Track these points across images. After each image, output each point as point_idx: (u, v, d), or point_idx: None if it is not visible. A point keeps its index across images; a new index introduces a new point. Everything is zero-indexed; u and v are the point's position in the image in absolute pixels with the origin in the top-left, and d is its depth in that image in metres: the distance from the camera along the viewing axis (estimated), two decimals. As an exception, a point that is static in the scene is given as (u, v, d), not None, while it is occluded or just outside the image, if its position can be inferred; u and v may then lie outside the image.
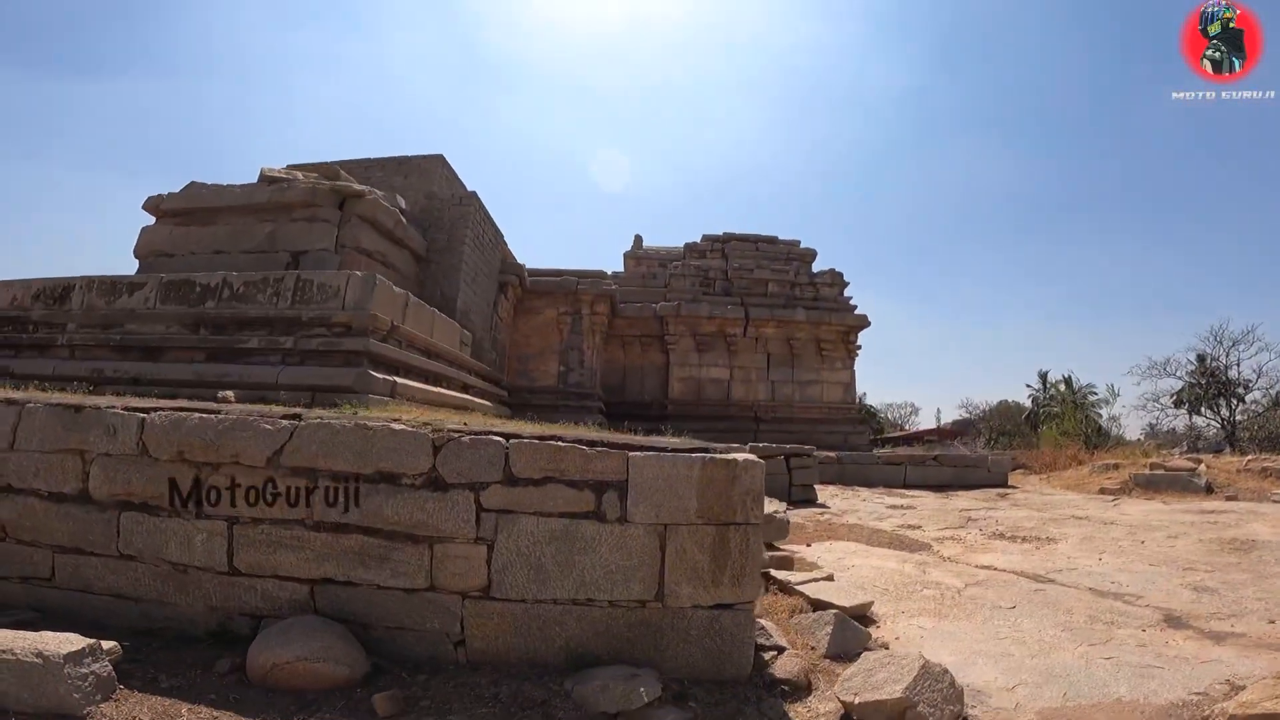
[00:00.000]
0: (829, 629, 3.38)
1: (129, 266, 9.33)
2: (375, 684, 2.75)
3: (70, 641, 2.42)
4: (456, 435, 3.08)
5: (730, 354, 17.33)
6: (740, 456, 2.94)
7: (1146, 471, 12.20)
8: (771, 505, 7.45)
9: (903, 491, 11.78)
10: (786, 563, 4.90)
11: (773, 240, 18.75)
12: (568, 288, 15.49)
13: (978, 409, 41.68)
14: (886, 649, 3.42)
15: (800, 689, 2.87)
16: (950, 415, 44.67)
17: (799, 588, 4.14)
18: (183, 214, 9.27)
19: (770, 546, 5.43)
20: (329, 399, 5.88)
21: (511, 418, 11.22)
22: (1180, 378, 24.54)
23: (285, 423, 3.29)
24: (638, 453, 2.92)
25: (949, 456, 14.12)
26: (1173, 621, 3.93)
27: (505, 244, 14.22)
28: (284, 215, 8.73)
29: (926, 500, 10.32)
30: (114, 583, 3.31)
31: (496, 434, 3.07)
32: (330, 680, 2.69)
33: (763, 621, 3.38)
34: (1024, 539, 6.85)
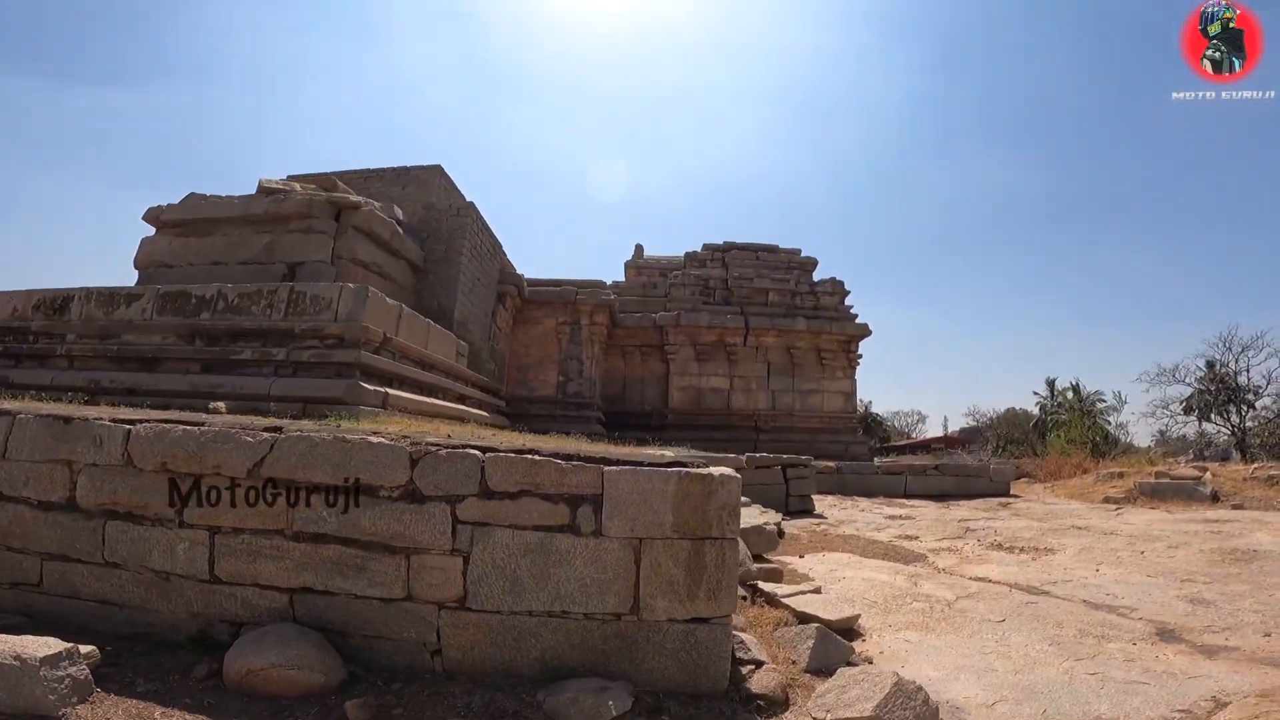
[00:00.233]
0: (810, 643, 3.34)
1: (133, 277, 9.41)
2: (350, 691, 2.77)
3: (48, 645, 2.49)
4: (434, 449, 3.09)
5: (730, 363, 17.31)
6: (716, 471, 2.92)
7: (1151, 480, 12.12)
8: (768, 516, 7.44)
9: (903, 501, 11.72)
10: (775, 575, 4.86)
11: (773, 249, 18.74)
12: (567, 298, 15.51)
13: (985, 417, 41.53)
14: (870, 663, 3.39)
15: (777, 704, 2.84)
16: (958, 423, 44.56)
17: (785, 600, 4.10)
18: (182, 225, 9.33)
19: (760, 558, 5.40)
20: (320, 410, 5.89)
21: (509, 428, 11.22)
22: (1189, 384, 24.45)
23: (266, 435, 3.34)
24: (613, 467, 2.92)
25: (950, 466, 14.04)
26: (1165, 635, 3.88)
27: (504, 254, 14.25)
28: (281, 227, 8.77)
29: (926, 510, 10.26)
30: (99, 589, 3.37)
31: (473, 447, 3.07)
32: (304, 687, 2.72)
33: (743, 635, 3.35)
34: (1021, 550, 6.80)
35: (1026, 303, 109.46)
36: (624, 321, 17.07)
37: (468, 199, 12.82)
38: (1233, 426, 23.29)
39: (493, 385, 12.75)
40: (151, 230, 9.67)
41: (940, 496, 12.49)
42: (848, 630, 3.83)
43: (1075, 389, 31.43)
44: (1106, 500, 11.86)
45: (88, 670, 2.60)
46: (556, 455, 2.97)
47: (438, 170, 12.46)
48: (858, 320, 17.84)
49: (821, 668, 3.20)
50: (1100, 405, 30.35)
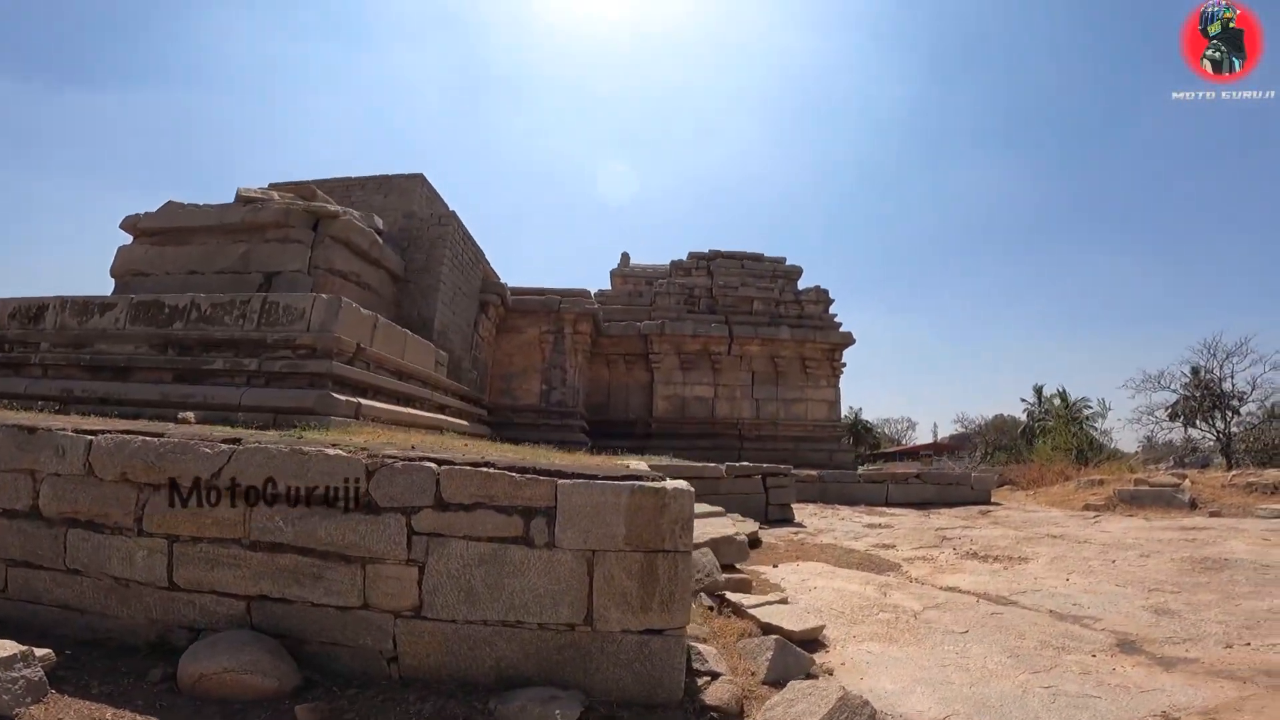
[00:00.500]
0: (769, 654, 3.34)
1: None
2: (304, 697, 2.80)
3: (4, 648, 2.58)
4: (390, 461, 3.11)
5: (715, 372, 17.33)
6: (670, 485, 2.94)
7: (1130, 488, 12.20)
8: (744, 525, 7.46)
9: (883, 510, 11.75)
10: (744, 585, 4.87)
11: (758, 257, 18.81)
12: (550, 307, 15.50)
13: (974, 424, 41.79)
14: (831, 674, 3.41)
15: (731, 715, 2.84)
16: (948, 430, 44.82)
17: (751, 611, 4.11)
18: (159, 233, 9.28)
19: (730, 568, 5.41)
20: (290, 421, 5.87)
21: (490, 437, 11.19)
22: (1175, 390, 24.62)
23: (224, 446, 3.39)
24: (567, 480, 2.94)
25: (932, 474, 14.12)
26: (1125, 646, 3.87)
27: (487, 263, 14.23)
28: (258, 236, 8.74)
29: (905, 519, 10.29)
30: (61, 595, 3.42)
31: (429, 460, 3.09)
32: (257, 691, 2.76)
33: (702, 646, 3.35)
34: (995, 559, 6.82)
35: (1015, 310, 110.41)
36: (609, 330, 17.08)
37: (451, 208, 12.81)
38: (1218, 432, 23.47)
39: (474, 395, 12.72)
40: (129, 238, 9.62)
41: (922, 505, 12.53)
42: (812, 641, 3.83)
43: (1062, 396, 31.65)
44: (1086, 508, 11.94)
45: (42, 672, 2.67)
46: (511, 468, 2.99)
47: (420, 179, 12.45)
48: (842, 329, 17.91)
49: (780, 679, 3.19)
50: (1087, 412, 30.58)
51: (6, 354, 8.34)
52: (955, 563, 6.64)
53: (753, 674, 3.30)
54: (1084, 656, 3.69)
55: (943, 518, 10.56)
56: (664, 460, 9.78)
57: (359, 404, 7.20)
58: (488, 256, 14.23)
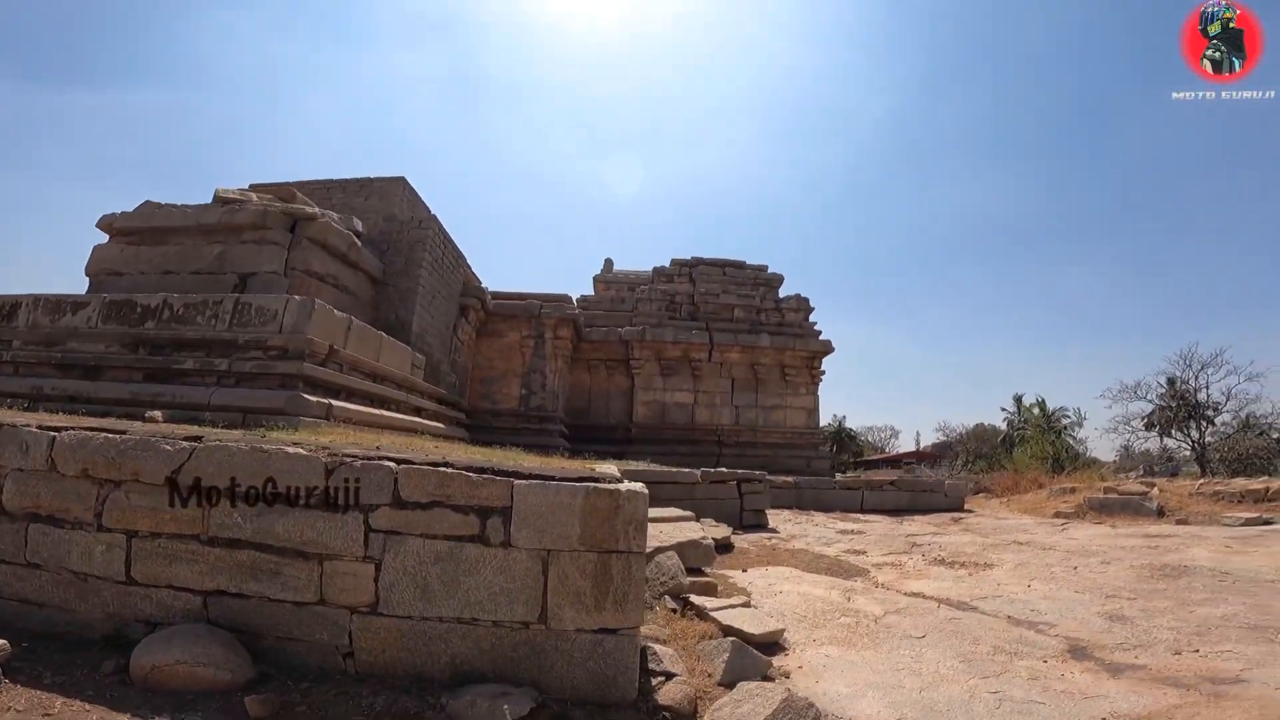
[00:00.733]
0: (726, 656, 3.39)
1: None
2: (257, 689, 2.82)
3: None
4: (349, 459, 3.14)
5: (695, 378, 17.42)
6: (624, 487, 2.99)
7: (1100, 495, 12.35)
8: (715, 530, 7.51)
9: (858, 516, 11.82)
10: (710, 588, 4.91)
11: (740, 265, 18.93)
12: (531, 311, 15.52)
13: (956, 432, 42.14)
14: (788, 677, 3.45)
15: (684, 715, 2.88)
16: (930, 438, 45.19)
17: (713, 614, 4.15)
18: (135, 233, 9.23)
19: (698, 571, 5.45)
20: (260, 421, 5.87)
21: (467, 440, 11.20)
22: (1151, 400, 24.90)
23: (185, 444, 3.41)
24: (523, 480, 2.98)
25: (907, 481, 14.22)
26: (1076, 652, 3.92)
27: (468, 267, 14.24)
28: (234, 237, 8.71)
29: (878, 526, 10.36)
30: (20, 589, 3.44)
31: (388, 459, 3.12)
32: (209, 683, 2.79)
33: (659, 647, 3.40)
34: (961, 565, 6.89)
35: (997, 321, 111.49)
36: (590, 336, 17.12)
37: (434, 211, 12.85)
38: (1193, 442, 23.75)
39: (452, 398, 12.71)
40: (105, 237, 9.56)
41: (896, 511, 12.61)
42: (772, 644, 3.87)
43: (1041, 405, 32.00)
44: (1057, 515, 12.07)
45: (-6, 663, 2.70)
46: (469, 468, 3.03)
47: (401, 182, 12.45)
48: (821, 337, 18.06)
49: (734, 680, 3.23)
50: (1065, 421, 30.91)
51: (-23, 351, 8.27)
52: (922, 569, 6.71)
53: (709, 675, 3.34)
54: (1035, 662, 3.74)
55: (915, 524, 10.64)
56: (640, 465, 9.81)
57: (330, 405, 7.19)
58: (474, 260, 14.27)
